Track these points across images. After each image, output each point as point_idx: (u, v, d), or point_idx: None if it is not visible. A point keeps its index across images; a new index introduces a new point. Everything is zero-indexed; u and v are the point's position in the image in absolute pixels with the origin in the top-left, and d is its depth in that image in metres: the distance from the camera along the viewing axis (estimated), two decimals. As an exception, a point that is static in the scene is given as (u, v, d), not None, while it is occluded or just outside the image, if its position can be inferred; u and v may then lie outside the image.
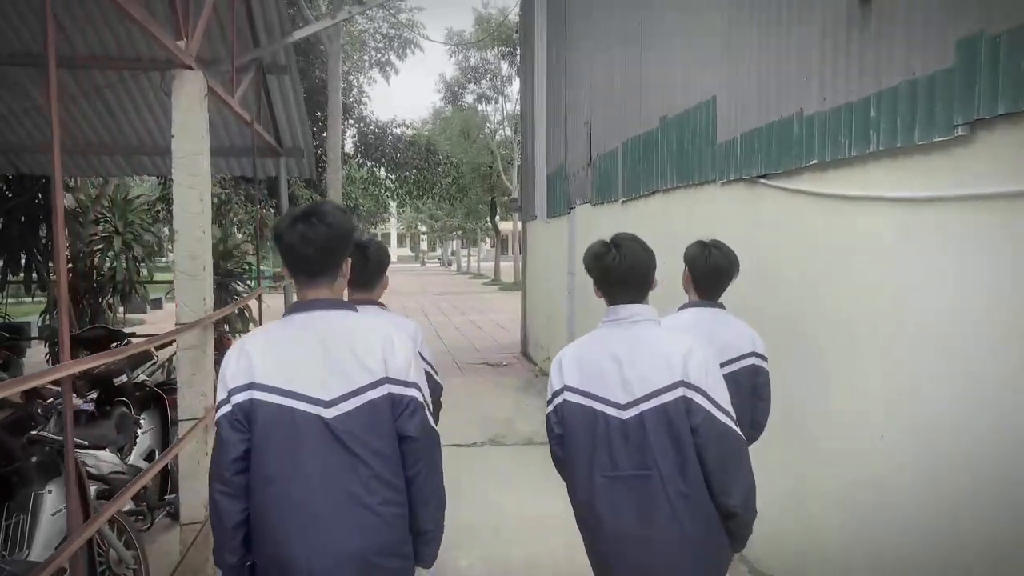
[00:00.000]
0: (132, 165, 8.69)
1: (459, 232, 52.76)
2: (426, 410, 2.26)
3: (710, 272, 3.32)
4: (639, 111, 7.01)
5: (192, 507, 4.29)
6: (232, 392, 2.19)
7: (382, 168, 12.21)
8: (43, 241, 8.90)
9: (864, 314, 3.63)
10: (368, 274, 3.32)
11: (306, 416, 2.16)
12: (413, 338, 3.13)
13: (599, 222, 8.43)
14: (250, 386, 2.18)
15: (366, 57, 16.20)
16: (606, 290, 2.57)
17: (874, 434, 3.49)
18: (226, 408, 2.19)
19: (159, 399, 5.44)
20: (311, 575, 2.14)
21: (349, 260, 2.35)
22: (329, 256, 2.25)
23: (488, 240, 58.70)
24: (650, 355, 2.43)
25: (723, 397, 2.40)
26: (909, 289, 3.30)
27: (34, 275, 9.04)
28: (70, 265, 9.70)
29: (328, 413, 2.16)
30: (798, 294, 4.28)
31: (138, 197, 9.96)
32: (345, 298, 2.46)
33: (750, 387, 3.22)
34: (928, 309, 3.17)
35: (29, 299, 9.79)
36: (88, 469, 4.26)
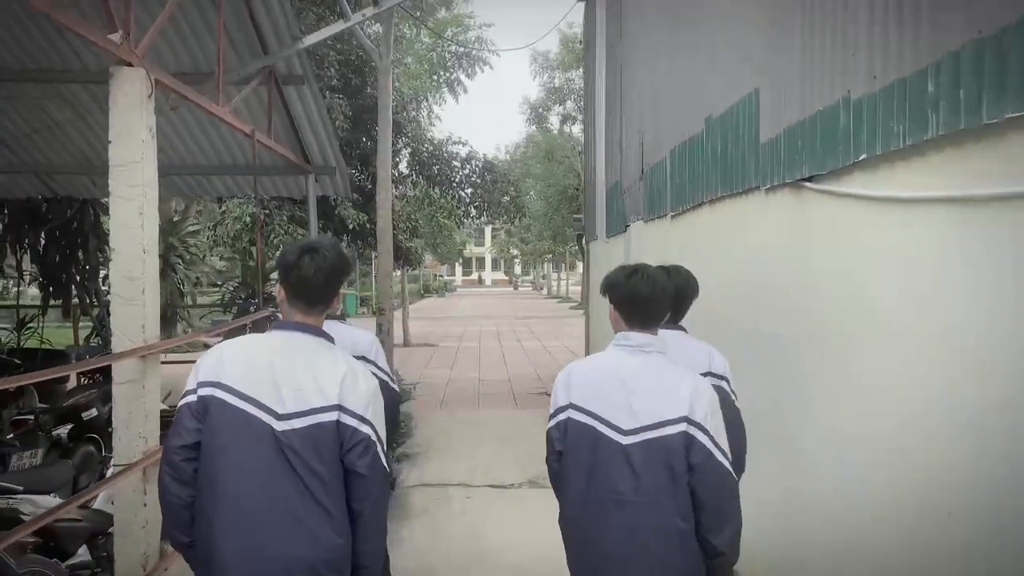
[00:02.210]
0: (164, 185, 8.43)
1: (549, 255, 52.26)
2: (378, 449, 2.35)
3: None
4: (685, 115, 6.23)
5: (130, 564, 3.74)
6: (200, 385, 2.33)
7: (436, 188, 11.73)
8: (83, 264, 8.75)
9: (920, 329, 2.80)
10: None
11: (259, 423, 2.27)
12: (369, 348, 3.61)
13: (651, 240, 7.64)
14: (216, 384, 2.31)
15: (434, 76, 15.87)
16: (626, 314, 2.64)
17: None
18: (191, 398, 2.32)
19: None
20: (237, 573, 2.23)
21: (340, 294, 2.60)
22: (332, 287, 2.44)
23: (580, 263, 58.01)
24: (658, 386, 2.48)
25: (723, 439, 2.45)
26: (977, 307, 2.46)
27: (74, 299, 8.91)
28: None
29: (279, 426, 2.27)
30: (850, 317, 3.45)
31: (184, 220, 9.72)
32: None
33: None
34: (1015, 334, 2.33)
35: (69, 324, 9.67)
36: (22, 516, 3.79)
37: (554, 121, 32.62)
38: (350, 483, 2.33)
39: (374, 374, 3.39)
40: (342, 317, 3.82)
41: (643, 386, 2.50)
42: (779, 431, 4.21)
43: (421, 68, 15.05)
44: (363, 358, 3.62)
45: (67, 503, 3.54)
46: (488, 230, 67.55)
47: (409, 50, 15.27)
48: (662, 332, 3.13)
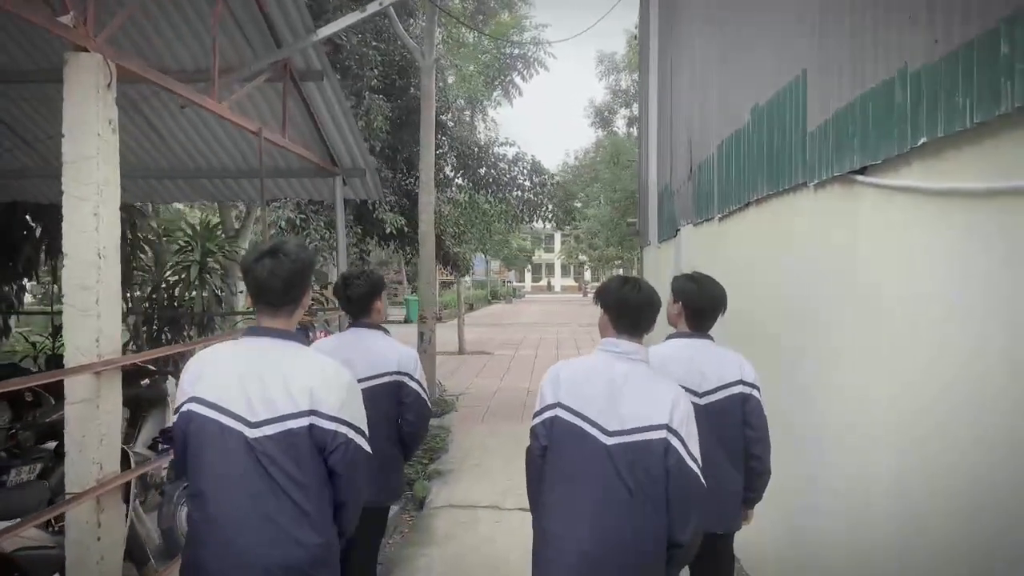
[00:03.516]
0: (193, 190, 8.22)
1: (618, 261, 51.35)
2: (357, 443, 2.41)
3: (707, 304, 3.35)
4: (732, 106, 5.63)
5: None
6: (180, 399, 2.42)
7: (482, 191, 11.26)
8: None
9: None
10: (358, 304, 3.74)
11: (232, 432, 2.31)
12: (413, 366, 3.69)
13: (700, 245, 7.03)
14: (192, 398, 2.37)
15: (492, 79, 15.45)
16: (616, 321, 2.75)
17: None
18: (176, 417, 2.43)
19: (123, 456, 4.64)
20: None
21: (309, 293, 2.57)
22: (291, 289, 2.42)
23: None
24: (642, 393, 2.63)
25: (695, 446, 2.60)
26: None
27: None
28: (153, 295, 9.41)
29: (251, 433, 2.31)
30: (902, 330, 2.86)
31: (219, 224, 9.49)
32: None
33: (740, 415, 3.24)
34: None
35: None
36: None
37: (620, 124, 31.87)
38: (332, 481, 2.41)
39: (416, 392, 3.69)
40: (383, 328, 3.82)
41: (628, 391, 2.63)
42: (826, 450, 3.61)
43: (477, 72, 14.65)
44: (407, 375, 3.65)
45: (14, 528, 3.18)
46: (558, 236, 67.10)
47: (466, 56, 14.90)
48: (688, 340, 3.32)
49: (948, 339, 2.50)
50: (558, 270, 79.82)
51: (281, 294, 2.41)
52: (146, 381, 6.35)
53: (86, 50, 3.37)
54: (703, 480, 2.60)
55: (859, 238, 3.29)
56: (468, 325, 24.61)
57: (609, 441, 2.59)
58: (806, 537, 3.89)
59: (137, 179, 7.88)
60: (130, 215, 8.76)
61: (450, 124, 11.37)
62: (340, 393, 2.39)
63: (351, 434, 2.39)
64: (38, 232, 8.55)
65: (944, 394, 2.53)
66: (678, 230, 8.13)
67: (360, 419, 2.46)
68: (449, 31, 16.52)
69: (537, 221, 12.16)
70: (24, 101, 6.77)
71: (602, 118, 31.69)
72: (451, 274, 14.56)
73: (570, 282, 78.44)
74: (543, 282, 79.40)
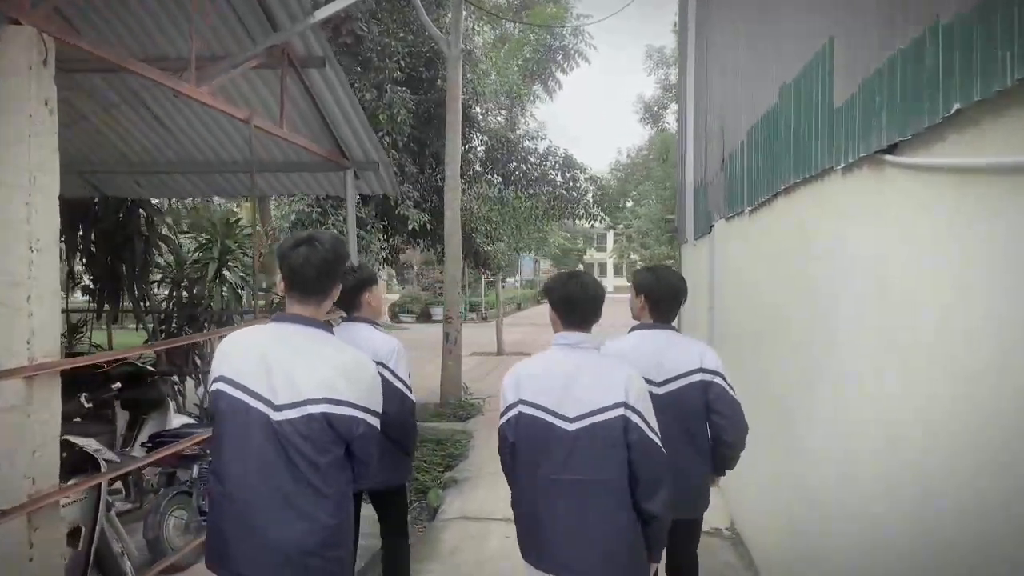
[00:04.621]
0: (208, 185, 7.99)
1: (670, 260, 50.51)
2: (374, 431, 2.53)
3: (665, 295, 3.49)
4: (762, 88, 5.12)
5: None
6: (212, 380, 2.51)
7: (511, 186, 10.81)
8: (134, 268, 8.40)
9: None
10: (348, 297, 3.75)
11: (257, 413, 2.39)
12: (389, 356, 3.67)
13: (732, 242, 6.53)
14: (220, 377, 2.47)
15: (531, 71, 14.99)
16: (564, 316, 2.89)
17: None
18: (209, 394, 2.55)
19: (91, 462, 4.36)
20: (241, 558, 2.39)
21: (339, 286, 2.62)
22: (324, 278, 2.51)
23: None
24: (595, 378, 2.77)
25: (653, 419, 2.76)
26: None
27: (125, 302, 8.59)
28: (172, 293, 9.24)
29: (275, 415, 2.39)
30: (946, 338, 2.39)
31: (239, 219, 9.26)
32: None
33: (702, 403, 3.34)
34: None
35: (134, 327, 9.37)
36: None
37: (671, 120, 31.03)
38: (352, 464, 2.52)
39: (391, 382, 3.61)
40: (372, 322, 3.91)
41: (583, 378, 2.76)
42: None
43: (516, 66, 14.21)
44: (382, 364, 3.60)
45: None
46: (610, 235, 66.41)
47: (512, 52, 14.48)
48: (650, 331, 3.46)
49: (998, 353, 2.02)
50: (610, 270, 78.94)
51: (313, 281, 2.48)
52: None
53: (18, 22, 3.06)
54: (664, 450, 2.74)
55: (885, 226, 2.81)
56: (512, 325, 24.25)
57: (572, 427, 2.71)
58: (810, 528, 3.43)
59: (149, 174, 7.69)
60: (147, 212, 8.59)
61: (480, 117, 10.96)
62: (361, 383, 2.49)
63: (371, 420, 2.50)
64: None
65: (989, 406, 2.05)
66: (712, 226, 7.60)
67: (379, 406, 2.57)
68: (491, 26, 16.15)
69: (568, 218, 11.70)
70: None
71: (652, 114, 30.88)
72: (484, 273, 14.17)
73: (623, 282, 77.39)
74: (595, 282, 78.59)
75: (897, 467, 2.63)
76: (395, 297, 33.96)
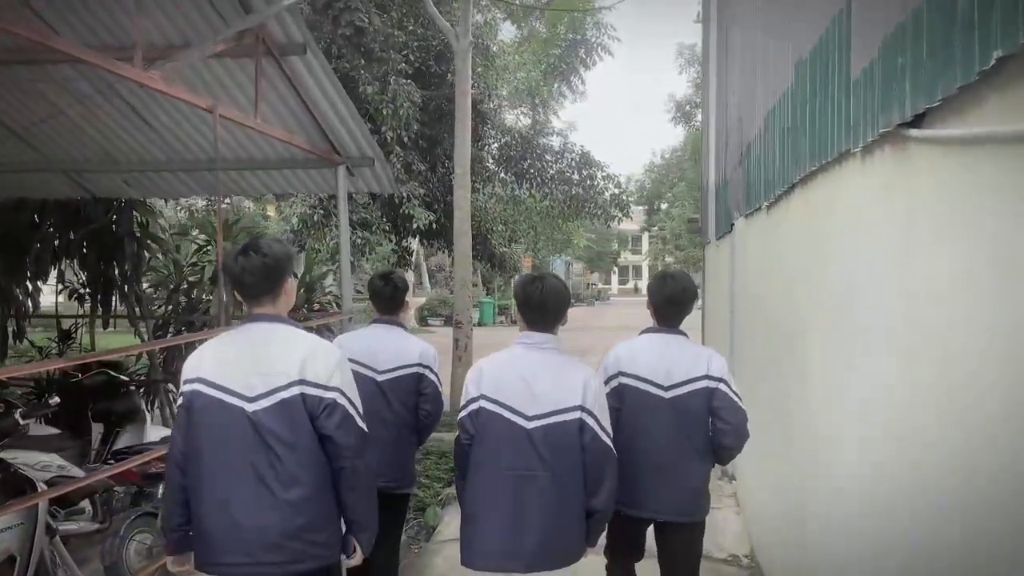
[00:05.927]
0: (199, 184, 7.63)
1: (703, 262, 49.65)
2: (348, 410, 2.59)
3: (666, 301, 3.51)
4: (776, 69, 4.60)
5: None
6: (184, 382, 2.61)
7: (525, 184, 10.34)
8: (126, 269, 8.08)
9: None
10: (392, 303, 4.02)
11: (233, 407, 2.52)
12: (434, 360, 3.97)
13: (751, 240, 6.00)
14: (196, 379, 2.58)
15: (555, 68, 14.51)
16: (526, 316, 3.04)
17: None
18: (180, 398, 2.64)
19: (27, 486, 3.96)
20: (223, 546, 2.50)
21: (293, 282, 2.73)
22: (266, 282, 2.61)
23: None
24: (556, 379, 2.91)
25: (606, 420, 2.94)
26: None
27: (117, 306, 8.26)
28: (170, 297, 8.91)
29: (250, 407, 2.51)
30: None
31: (237, 221, 8.92)
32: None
33: (706, 409, 3.36)
34: None
35: (131, 333, 9.07)
36: None
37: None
38: (325, 447, 2.56)
39: (434, 383, 3.95)
40: (403, 325, 4.07)
41: (543, 378, 2.90)
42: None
43: (536, 62, 13.75)
44: (428, 367, 3.91)
45: None
46: (645, 237, 65.66)
47: (538, 49, 14.05)
48: (658, 335, 3.49)
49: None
50: (645, 272, 78.08)
51: (256, 286, 2.59)
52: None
53: None
54: (614, 451, 2.93)
55: (915, 219, 2.29)
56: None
57: (529, 425, 2.85)
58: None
59: (135, 172, 7.35)
60: (141, 213, 8.27)
61: (493, 113, 10.48)
62: (329, 364, 2.57)
63: (340, 399, 2.56)
64: (51, 230, 8.13)
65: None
66: (732, 224, 7.06)
67: (351, 390, 2.63)
68: (515, 25, 15.73)
69: (586, 217, 11.20)
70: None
71: (683, 113, 30.24)
72: (499, 275, 13.73)
73: (659, 284, 76.20)
74: (630, 285, 77.81)
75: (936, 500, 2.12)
76: (422, 300, 33.67)
